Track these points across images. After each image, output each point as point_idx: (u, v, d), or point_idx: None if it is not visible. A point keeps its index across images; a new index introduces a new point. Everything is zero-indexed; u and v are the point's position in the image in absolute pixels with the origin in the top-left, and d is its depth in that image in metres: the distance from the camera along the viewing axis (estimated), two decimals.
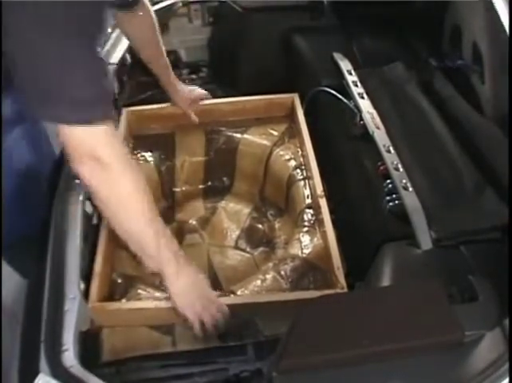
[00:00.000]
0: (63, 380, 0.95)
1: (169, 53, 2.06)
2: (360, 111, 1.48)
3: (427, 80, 1.64)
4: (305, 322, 0.88)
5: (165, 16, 1.95)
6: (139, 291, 1.27)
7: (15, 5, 0.83)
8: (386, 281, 1.11)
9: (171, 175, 1.72)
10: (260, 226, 1.70)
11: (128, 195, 1.02)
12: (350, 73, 1.62)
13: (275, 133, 1.71)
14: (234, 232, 1.68)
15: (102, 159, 0.96)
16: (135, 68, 1.83)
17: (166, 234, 1.14)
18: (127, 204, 1.03)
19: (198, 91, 1.72)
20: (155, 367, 1.12)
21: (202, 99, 1.71)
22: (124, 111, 1.70)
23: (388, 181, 1.31)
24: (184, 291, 1.14)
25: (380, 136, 1.40)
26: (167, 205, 1.75)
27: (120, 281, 1.31)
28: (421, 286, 0.96)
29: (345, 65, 1.66)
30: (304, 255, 1.35)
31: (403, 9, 1.82)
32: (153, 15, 1.50)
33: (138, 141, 1.71)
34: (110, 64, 1.68)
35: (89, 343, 1.13)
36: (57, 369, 0.96)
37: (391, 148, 1.35)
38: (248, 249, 1.64)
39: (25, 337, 1.09)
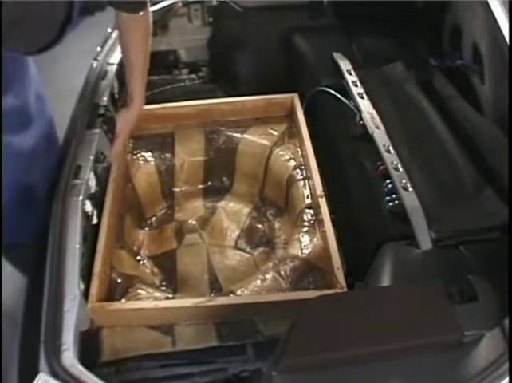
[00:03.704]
0: (63, 379, 0.94)
1: (169, 53, 2.07)
2: (359, 111, 1.49)
3: (427, 80, 1.64)
4: (304, 322, 0.88)
5: (165, 16, 1.95)
6: (139, 291, 1.28)
7: None
8: (386, 281, 1.11)
9: (171, 175, 1.72)
10: (260, 226, 1.70)
11: None
12: (350, 73, 1.62)
13: (275, 133, 1.71)
14: (233, 232, 1.68)
15: None
16: None
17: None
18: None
19: (124, 130, 1.53)
20: (154, 367, 1.12)
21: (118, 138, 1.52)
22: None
23: (388, 181, 1.31)
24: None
25: (380, 136, 1.40)
26: (167, 205, 1.75)
27: (119, 281, 1.31)
28: (421, 286, 0.96)
29: (345, 65, 1.66)
30: (304, 255, 1.35)
31: (403, 9, 1.82)
32: (150, 25, 1.46)
33: (138, 141, 1.71)
34: (110, 64, 1.68)
35: (89, 343, 1.13)
36: (57, 369, 0.96)
37: (390, 148, 1.35)
38: (248, 249, 1.64)
39: (25, 337, 1.09)
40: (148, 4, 1.41)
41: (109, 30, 1.77)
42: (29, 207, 1.42)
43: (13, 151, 1.35)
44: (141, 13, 1.39)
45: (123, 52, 1.52)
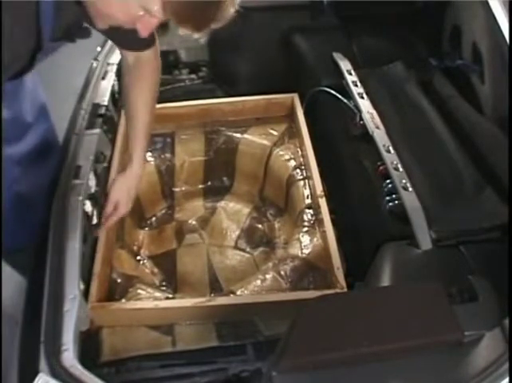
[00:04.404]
0: (63, 379, 0.95)
1: (169, 53, 2.07)
2: (360, 111, 1.49)
3: (427, 80, 1.64)
4: (304, 322, 0.88)
5: None
6: (139, 291, 1.28)
7: None
8: (385, 281, 1.11)
9: (171, 175, 1.72)
10: (260, 226, 1.70)
11: None
12: (350, 73, 1.62)
13: (275, 133, 1.71)
14: (233, 232, 1.68)
15: None
16: None
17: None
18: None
19: (123, 200, 1.34)
20: (154, 367, 1.12)
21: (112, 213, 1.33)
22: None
23: (388, 181, 1.31)
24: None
25: (380, 136, 1.40)
26: (167, 205, 1.75)
27: (119, 281, 1.31)
28: (421, 286, 0.96)
29: (345, 65, 1.66)
30: (304, 255, 1.35)
31: (403, 9, 1.83)
32: (158, 73, 1.32)
33: None
34: (110, 64, 1.68)
35: (89, 343, 1.13)
36: (57, 369, 0.96)
37: (390, 148, 1.35)
38: (248, 249, 1.64)
39: (25, 337, 1.09)
40: (157, 44, 1.26)
41: None
42: (24, 214, 1.40)
43: (5, 161, 1.32)
44: (147, 53, 1.25)
45: (125, 101, 1.34)
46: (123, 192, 1.33)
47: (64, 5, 0.93)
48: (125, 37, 1.12)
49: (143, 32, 0.93)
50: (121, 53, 1.32)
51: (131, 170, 1.34)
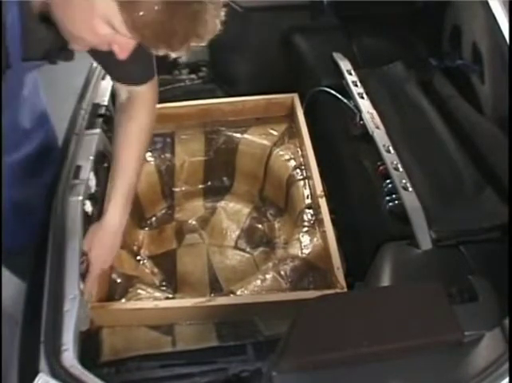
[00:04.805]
0: (63, 380, 0.94)
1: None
2: (359, 111, 1.49)
3: (427, 80, 1.64)
4: (304, 322, 0.88)
5: None
6: (139, 291, 1.28)
7: None
8: (385, 281, 1.11)
9: (171, 175, 1.72)
10: (260, 226, 1.70)
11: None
12: (350, 73, 1.62)
13: (275, 133, 1.71)
14: (233, 232, 1.68)
15: None
16: None
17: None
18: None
19: (99, 262, 1.19)
20: (154, 367, 1.12)
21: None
22: None
23: (388, 181, 1.31)
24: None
25: (380, 136, 1.40)
26: (167, 205, 1.75)
27: (119, 281, 1.31)
28: (421, 286, 0.96)
29: (345, 64, 1.66)
30: (304, 255, 1.35)
31: (403, 9, 1.83)
32: (149, 122, 1.20)
33: None
34: None
35: (89, 343, 1.13)
36: (57, 369, 0.96)
37: (390, 148, 1.35)
38: (248, 249, 1.64)
39: (25, 338, 1.09)
40: (156, 79, 1.15)
41: None
42: (24, 215, 1.38)
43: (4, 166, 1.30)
44: (142, 91, 1.15)
45: (112, 143, 1.25)
46: (96, 248, 1.18)
47: (34, 26, 0.88)
48: (115, 64, 0.94)
49: (120, 54, 0.87)
50: (114, 87, 1.21)
51: (104, 223, 1.19)
